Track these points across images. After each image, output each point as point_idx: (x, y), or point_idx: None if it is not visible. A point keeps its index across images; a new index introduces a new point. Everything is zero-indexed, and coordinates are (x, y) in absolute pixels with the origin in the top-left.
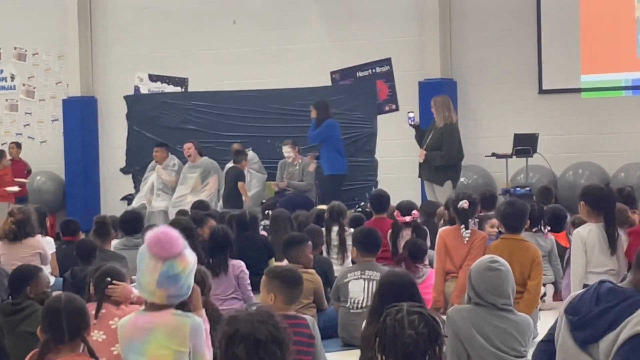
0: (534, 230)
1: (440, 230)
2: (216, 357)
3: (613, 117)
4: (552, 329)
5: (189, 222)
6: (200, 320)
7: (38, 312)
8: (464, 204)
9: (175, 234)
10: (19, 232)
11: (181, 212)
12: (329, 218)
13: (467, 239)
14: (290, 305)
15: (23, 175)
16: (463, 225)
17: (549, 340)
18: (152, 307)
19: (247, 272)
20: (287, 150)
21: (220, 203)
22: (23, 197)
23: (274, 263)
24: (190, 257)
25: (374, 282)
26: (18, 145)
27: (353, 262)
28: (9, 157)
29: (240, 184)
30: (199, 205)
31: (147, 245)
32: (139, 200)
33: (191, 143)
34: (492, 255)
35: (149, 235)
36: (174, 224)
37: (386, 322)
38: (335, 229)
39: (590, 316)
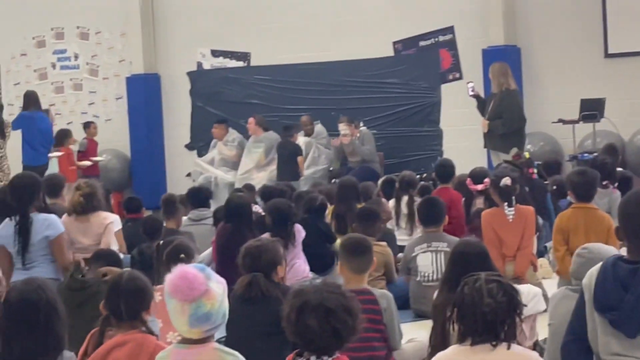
0: (603, 183)
1: (483, 213)
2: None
3: None
4: (577, 325)
5: (243, 200)
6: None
7: (102, 293)
8: (506, 181)
9: (192, 273)
10: (87, 205)
11: (247, 187)
12: (399, 188)
13: (511, 217)
14: (358, 274)
15: (96, 154)
16: (506, 203)
17: (578, 339)
18: (191, 340)
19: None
20: (343, 128)
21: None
22: (96, 176)
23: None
24: (217, 288)
25: (442, 254)
26: (94, 126)
27: None
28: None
29: (299, 158)
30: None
31: (169, 292)
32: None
33: (252, 118)
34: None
35: (168, 281)
36: (228, 202)
37: (464, 291)
38: (405, 199)
39: (630, 306)
